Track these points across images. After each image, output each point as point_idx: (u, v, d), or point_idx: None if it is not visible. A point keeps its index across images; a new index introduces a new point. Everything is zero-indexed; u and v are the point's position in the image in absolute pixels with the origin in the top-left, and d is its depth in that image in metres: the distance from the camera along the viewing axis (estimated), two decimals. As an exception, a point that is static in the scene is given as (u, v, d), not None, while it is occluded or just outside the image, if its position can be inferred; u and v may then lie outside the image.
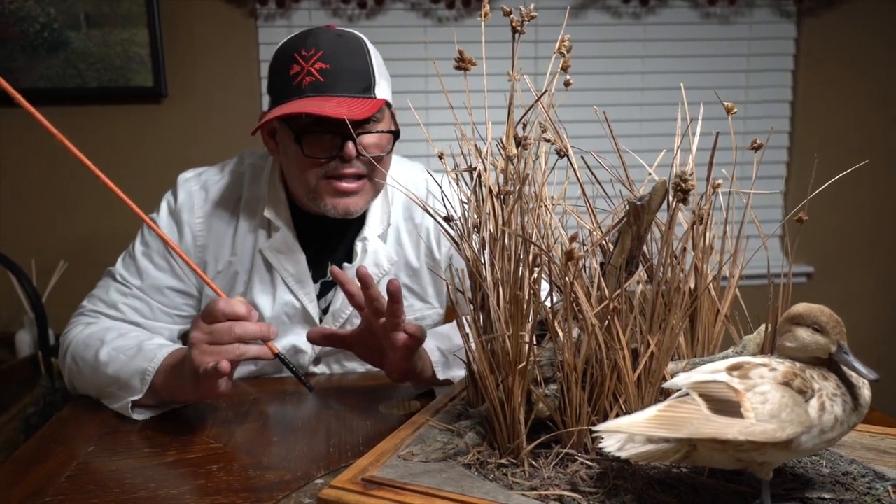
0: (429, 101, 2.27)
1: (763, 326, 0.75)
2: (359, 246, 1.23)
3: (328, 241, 1.24)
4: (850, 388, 0.63)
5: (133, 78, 2.06)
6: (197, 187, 1.23)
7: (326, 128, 1.07)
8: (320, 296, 1.25)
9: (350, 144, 1.08)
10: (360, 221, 1.24)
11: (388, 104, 1.16)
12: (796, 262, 2.35)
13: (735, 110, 0.80)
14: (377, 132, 1.12)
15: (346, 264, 1.23)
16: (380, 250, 1.23)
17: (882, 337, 2.39)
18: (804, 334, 0.64)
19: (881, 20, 2.41)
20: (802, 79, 2.43)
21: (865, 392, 0.63)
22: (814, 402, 0.61)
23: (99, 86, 2.05)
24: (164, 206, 1.23)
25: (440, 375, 1.06)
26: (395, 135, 1.15)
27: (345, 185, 1.11)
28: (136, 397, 0.99)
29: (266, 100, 1.19)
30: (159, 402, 1.01)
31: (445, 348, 1.08)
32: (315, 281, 1.24)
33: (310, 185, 1.12)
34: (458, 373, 1.09)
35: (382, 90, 1.13)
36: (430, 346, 1.07)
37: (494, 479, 0.70)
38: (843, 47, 2.42)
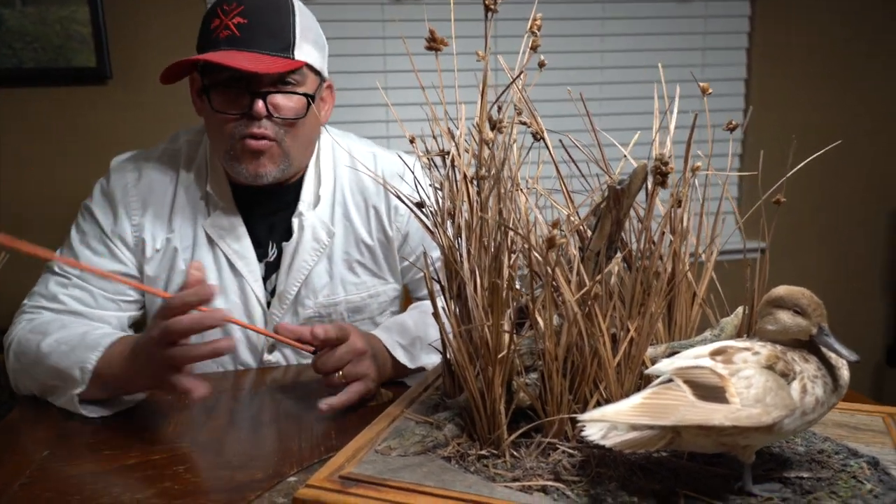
0: (387, 80, 2.22)
1: (740, 309, 0.75)
2: (295, 222, 1.20)
3: (268, 218, 1.21)
4: (830, 369, 0.63)
5: (74, 58, 1.95)
6: (130, 168, 1.20)
7: (238, 84, 1.05)
8: (266, 277, 1.22)
9: (259, 102, 1.05)
10: (296, 196, 1.21)
11: (314, 71, 1.12)
12: (752, 239, 2.39)
13: (710, 91, 0.79)
14: (292, 93, 1.08)
15: (284, 243, 1.20)
16: (317, 224, 1.21)
17: (832, 313, 2.47)
18: (785, 317, 0.64)
19: (835, 1, 2.45)
20: (756, 57, 2.46)
21: (844, 373, 0.64)
22: (796, 385, 0.61)
23: (37, 66, 1.94)
24: (96, 190, 1.20)
25: (411, 365, 1.05)
26: (310, 99, 1.11)
27: (252, 142, 1.08)
28: (79, 390, 0.94)
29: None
30: (110, 394, 0.97)
31: (406, 342, 1.08)
32: (260, 260, 1.22)
33: (225, 144, 1.10)
34: (428, 358, 1.08)
35: (305, 53, 1.09)
36: (390, 342, 1.06)
37: (476, 471, 0.68)
38: (797, 26, 2.45)
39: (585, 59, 2.35)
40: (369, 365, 0.99)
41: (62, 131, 2.04)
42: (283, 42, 1.06)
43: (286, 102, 1.08)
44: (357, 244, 1.25)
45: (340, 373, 0.96)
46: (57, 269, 1.15)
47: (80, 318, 1.12)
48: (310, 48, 1.10)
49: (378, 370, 1.01)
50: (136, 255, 1.18)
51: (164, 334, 0.85)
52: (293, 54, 1.07)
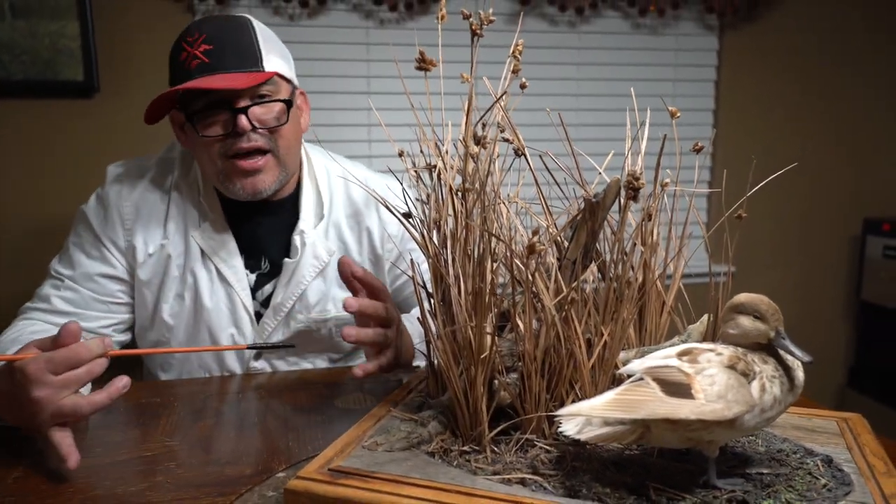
0: (371, 102, 2.27)
1: (705, 316, 0.80)
2: (296, 239, 1.23)
3: (262, 232, 1.25)
4: (787, 370, 0.68)
5: (62, 71, 1.98)
6: (125, 174, 1.24)
7: (218, 105, 1.10)
8: (256, 288, 1.25)
9: (241, 117, 1.09)
10: (294, 215, 1.25)
11: (285, 79, 1.17)
12: (719, 262, 2.47)
13: (679, 114, 0.86)
14: (269, 101, 1.13)
15: (286, 259, 1.24)
16: (318, 243, 1.25)
17: (795, 334, 2.55)
18: (746, 321, 0.69)
19: (794, 35, 2.58)
20: (724, 89, 2.57)
21: (800, 374, 0.69)
22: (755, 384, 0.66)
23: (25, 78, 1.96)
24: (93, 196, 1.24)
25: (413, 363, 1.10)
26: (288, 104, 1.15)
27: (246, 163, 1.12)
28: None
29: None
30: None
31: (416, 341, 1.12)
32: (252, 271, 1.25)
33: (216, 167, 1.14)
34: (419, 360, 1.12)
35: (273, 64, 1.14)
36: (415, 332, 1.10)
37: (458, 465, 0.72)
38: (761, 59, 2.57)
39: (562, 86, 2.43)
40: (393, 337, 1.01)
41: (49, 143, 2.06)
42: (251, 58, 1.11)
43: (266, 112, 1.13)
44: None
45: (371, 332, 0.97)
46: (52, 272, 1.19)
47: (65, 318, 1.15)
48: (276, 59, 1.15)
49: (397, 349, 1.03)
50: (127, 259, 1.21)
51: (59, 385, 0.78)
52: (263, 67, 1.12)
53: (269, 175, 1.15)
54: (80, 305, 1.18)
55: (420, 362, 1.09)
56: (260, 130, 1.12)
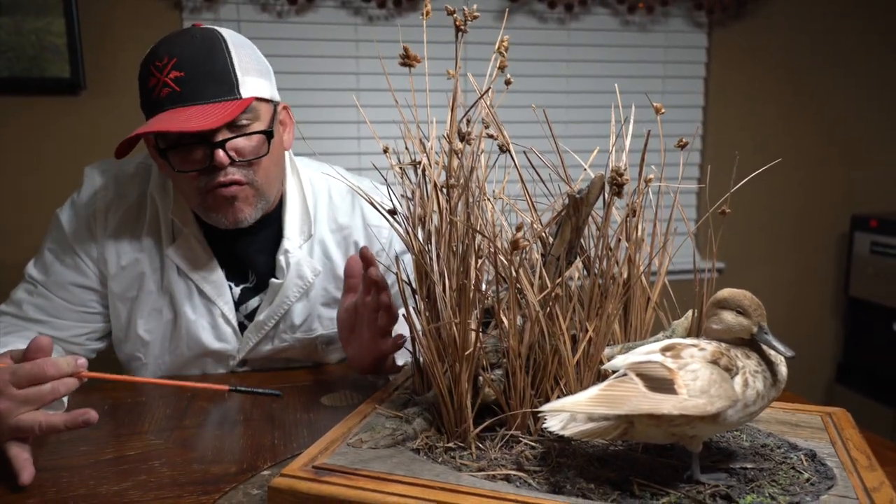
0: (360, 99, 2.27)
1: (690, 312, 0.80)
2: (281, 259, 1.19)
3: (246, 249, 1.20)
4: (770, 365, 0.69)
5: (48, 68, 1.96)
6: (100, 179, 1.18)
7: (193, 139, 1.02)
8: (240, 301, 1.22)
9: (219, 152, 1.02)
10: (274, 227, 1.21)
11: (265, 100, 1.09)
12: (708, 259, 2.49)
13: (664, 111, 0.86)
14: (248, 134, 1.05)
15: (273, 280, 1.20)
16: (303, 261, 1.20)
17: (783, 331, 2.58)
18: (729, 317, 0.69)
19: (783, 33, 2.59)
20: (714, 86, 2.58)
21: (783, 369, 0.69)
22: (738, 379, 0.66)
23: (10, 76, 1.94)
24: (68, 202, 1.19)
25: (399, 362, 1.09)
26: (269, 135, 1.08)
27: (226, 191, 1.06)
28: None
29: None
30: None
31: None
32: (237, 284, 1.21)
33: (196, 199, 1.09)
34: (404, 358, 1.11)
35: (250, 88, 1.05)
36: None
37: (443, 461, 0.72)
38: (750, 57, 2.58)
39: (552, 83, 2.43)
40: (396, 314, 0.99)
41: (35, 141, 2.04)
42: (226, 84, 1.03)
43: (246, 144, 1.06)
44: (335, 281, 1.24)
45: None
46: (27, 276, 1.16)
47: (40, 325, 1.13)
48: (254, 80, 1.06)
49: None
50: (99, 268, 1.17)
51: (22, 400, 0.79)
52: (239, 94, 1.04)
53: (248, 205, 1.10)
54: (52, 313, 1.15)
55: (404, 360, 1.09)
56: (238, 162, 1.06)
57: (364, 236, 1.26)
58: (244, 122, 1.05)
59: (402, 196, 0.83)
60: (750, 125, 2.62)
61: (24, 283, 1.17)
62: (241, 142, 1.05)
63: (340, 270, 1.22)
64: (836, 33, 2.64)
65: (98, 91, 2.04)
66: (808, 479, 0.69)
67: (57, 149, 2.05)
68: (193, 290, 1.18)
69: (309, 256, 1.22)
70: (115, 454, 0.85)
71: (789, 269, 2.76)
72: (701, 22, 2.52)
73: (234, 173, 1.06)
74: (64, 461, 0.83)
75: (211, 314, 1.19)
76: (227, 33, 1.08)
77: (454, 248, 0.77)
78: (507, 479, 0.68)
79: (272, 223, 1.20)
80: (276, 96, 1.13)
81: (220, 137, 1.03)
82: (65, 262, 1.16)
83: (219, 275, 1.19)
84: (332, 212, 1.25)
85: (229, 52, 1.04)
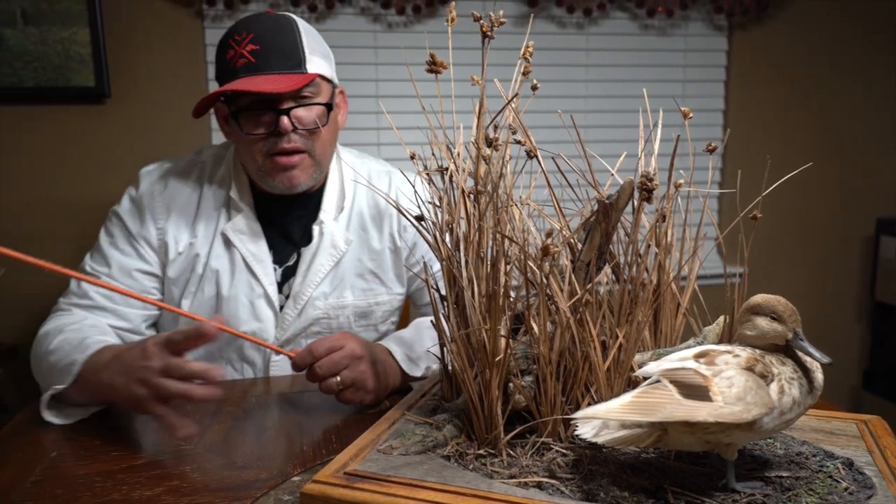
0: (378, 105, 2.28)
1: (721, 318, 0.80)
2: (315, 229, 1.28)
3: (288, 224, 1.29)
4: (806, 372, 0.68)
5: (73, 78, 1.99)
6: (157, 175, 1.28)
7: (261, 105, 1.14)
8: (282, 282, 1.28)
9: (284, 118, 1.13)
10: (317, 205, 1.29)
11: (326, 80, 1.20)
12: (732, 264, 2.46)
13: (691, 115, 0.85)
14: (311, 104, 1.16)
15: (302, 248, 1.28)
16: (336, 232, 1.28)
17: (810, 336, 2.54)
18: (763, 323, 0.68)
19: (804, 35, 2.56)
20: (734, 89, 2.56)
21: (819, 375, 0.69)
22: (774, 386, 0.65)
23: (36, 85, 1.97)
24: (125, 196, 1.28)
25: (417, 374, 1.11)
26: (328, 107, 1.19)
27: (284, 159, 1.17)
28: (60, 387, 0.97)
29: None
30: (87, 399, 0.99)
31: (410, 353, 1.12)
32: (279, 265, 1.28)
33: (257, 162, 1.18)
34: (424, 366, 1.12)
35: (316, 65, 1.17)
36: (398, 352, 1.10)
37: (474, 468, 0.72)
38: (771, 60, 2.56)
39: (570, 88, 2.43)
40: (366, 370, 1.02)
41: (61, 149, 2.07)
42: (295, 59, 1.15)
43: (307, 114, 1.17)
44: (369, 252, 1.31)
45: (338, 378, 0.99)
46: (88, 269, 1.23)
47: (106, 314, 1.19)
48: (319, 60, 1.18)
49: (378, 376, 1.04)
50: (160, 256, 1.25)
51: (167, 368, 0.88)
52: (306, 69, 1.15)
53: (305, 173, 1.19)
54: (119, 301, 1.21)
55: (422, 371, 1.11)
56: (300, 131, 1.16)
57: (397, 215, 1.32)
58: (307, 94, 1.16)
59: (430, 203, 0.83)
60: (771, 129, 2.60)
61: (87, 275, 1.21)
62: (303, 112, 1.16)
63: (375, 242, 1.32)
64: (857, 34, 2.61)
65: (122, 99, 2.07)
66: (846, 489, 0.68)
67: (82, 156, 2.08)
68: (239, 266, 1.25)
69: (344, 228, 1.29)
70: (146, 459, 0.85)
71: (814, 273, 2.73)
72: (721, 25, 2.51)
73: (296, 140, 1.16)
74: (97, 466, 0.83)
75: (252, 291, 1.26)
76: (299, 19, 1.20)
77: (482, 255, 0.76)
78: (539, 486, 0.68)
79: (315, 200, 1.30)
80: (336, 80, 1.25)
81: (285, 105, 1.14)
82: (127, 252, 1.24)
83: (266, 253, 1.27)
84: (370, 189, 1.34)
85: (300, 34, 1.17)
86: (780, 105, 2.59)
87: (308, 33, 1.19)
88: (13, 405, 1.85)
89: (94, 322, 1.16)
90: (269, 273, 1.26)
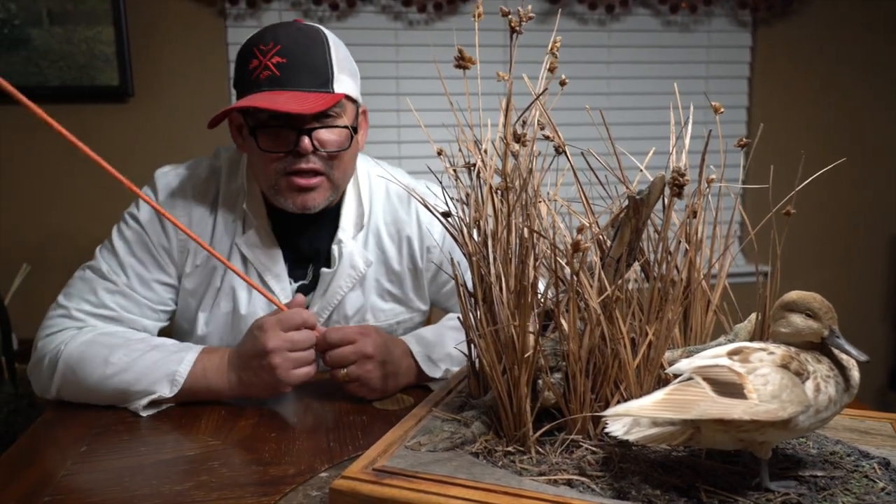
0: (399, 103, 2.28)
1: (753, 315, 0.79)
2: (335, 249, 1.22)
3: (306, 242, 1.23)
4: (842, 370, 0.67)
5: (98, 76, 2.01)
6: (176, 183, 1.21)
7: (282, 122, 1.07)
8: None
9: (305, 139, 1.08)
10: (333, 221, 1.23)
11: (351, 100, 1.14)
12: (753, 261, 2.43)
13: (722, 110, 0.84)
14: (334, 127, 1.11)
15: (323, 269, 1.23)
16: (355, 252, 1.23)
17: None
18: (798, 320, 0.67)
19: (830, 31, 2.53)
20: (758, 85, 2.53)
21: (855, 374, 0.67)
22: (809, 384, 0.64)
23: (62, 84, 2.00)
24: (143, 203, 1.20)
25: (436, 375, 1.10)
26: (354, 131, 1.14)
27: (301, 180, 1.11)
28: (166, 395, 1.02)
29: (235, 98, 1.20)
30: (182, 400, 1.04)
31: (433, 355, 1.12)
32: (295, 280, 1.24)
33: (270, 180, 1.12)
34: (444, 368, 1.11)
35: (343, 85, 1.11)
36: (418, 352, 1.11)
37: (503, 465, 0.71)
38: (796, 56, 2.53)
39: (593, 84, 2.42)
40: (372, 369, 1.03)
41: (86, 146, 2.09)
42: (322, 77, 1.08)
43: (329, 136, 1.11)
44: (388, 273, 1.27)
45: (345, 371, 1.02)
46: (105, 275, 1.16)
47: (123, 326, 1.16)
48: (346, 79, 1.12)
49: (385, 377, 1.05)
50: (178, 268, 1.21)
51: (288, 320, 1.01)
52: (332, 88, 1.09)
53: (321, 195, 1.14)
54: (136, 314, 1.17)
55: (441, 373, 1.11)
56: (320, 153, 1.10)
57: (417, 232, 1.28)
58: (331, 114, 1.10)
59: (457, 200, 0.82)
60: (795, 126, 2.56)
61: (101, 280, 1.16)
62: (326, 133, 1.11)
63: (394, 263, 1.27)
64: (884, 31, 2.56)
65: (145, 98, 2.09)
66: (883, 489, 0.67)
67: (106, 154, 2.08)
68: (255, 280, 1.20)
69: (363, 247, 1.24)
70: (174, 454, 0.86)
71: (838, 272, 2.69)
72: (745, 21, 2.48)
73: (315, 162, 1.11)
74: (126, 461, 0.84)
75: (269, 307, 1.20)
76: (329, 33, 1.14)
77: (511, 251, 0.76)
78: (569, 483, 0.67)
79: (332, 217, 1.24)
80: (360, 98, 1.19)
81: (308, 125, 1.08)
82: (146, 262, 1.18)
83: (282, 268, 1.22)
84: (389, 205, 1.28)
85: (329, 50, 1.10)
86: (805, 102, 2.56)
87: (337, 49, 1.12)
88: (41, 403, 1.87)
89: (133, 333, 1.14)
90: (285, 288, 1.21)
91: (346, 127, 1.12)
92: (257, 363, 0.99)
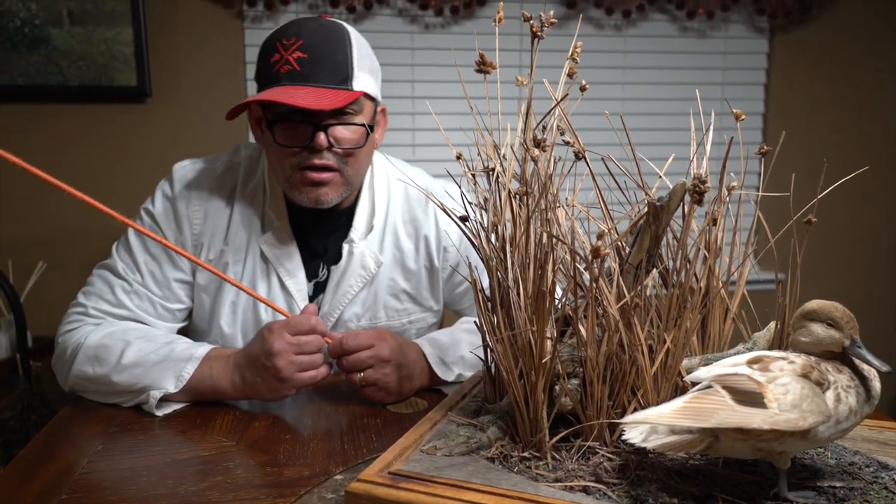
0: (415, 106, 2.28)
1: (772, 324, 0.78)
2: (345, 248, 1.23)
3: (321, 240, 1.24)
4: (863, 380, 0.66)
5: (116, 77, 2.03)
6: (193, 176, 1.22)
7: (299, 117, 1.08)
8: (312, 297, 1.25)
9: (320, 135, 1.08)
10: (348, 221, 1.24)
11: (370, 97, 1.15)
12: (769, 269, 2.42)
13: (743, 117, 0.84)
14: (350, 124, 1.11)
15: (332, 266, 1.24)
16: (366, 252, 1.23)
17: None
18: (819, 329, 0.67)
19: (847, 38, 2.51)
20: (774, 92, 2.52)
21: (876, 384, 0.67)
22: (830, 394, 0.64)
23: (81, 84, 2.01)
24: (159, 194, 1.22)
25: (449, 378, 1.11)
26: (370, 129, 1.14)
27: (315, 175, 1.12)
28: (170, 391, 1.02)
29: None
30: (189, 399, 1.05)
31: (446, 358, 1.12)
32: (309, 278, 1.24)
33: (285, 174, 1.13)
34: (457, 371, 1.11)
35: (362, 83, 1.11)
36: (431, 355, 1.11)
37: (519, 471, 0.71)
38: (813, 62, 2.51)
39: (608, 90, 2.41)
40: (390, 373, 1.04)
41: (103, 146, 2.11)
42: (342, 74, 1.09)
43: (346, 133, 1.11)
44: (403, 272, 1.27)
45: (362, 374, 1.03)
46: (121, 273, 1.17)
47: (154, 329, 1.16)
48: (366, 77, 1.12)
49: (402, 380, 1.05)
50: (192, 263, 1.20)
51: (296, 325, 1.01)
52: (351, 85, 1.09)
53: (334, 191, 1.14)
54: (152, 314, 1.18)
55: (454, 376, 1.11)
56: (336, 149, 1.11)
57: (435, 233, 1.28)
58: (349, 111, 1.11)
59: (475, 204, 0.82)
60: (812, 133, 2.55)
61: (118, 279, 1.17)
62: (342, 130, 1.11)
63: (410, 261, 1.27)
64: (903, 38, 2.55)
65: (163, 98, 2.10)
66: (902, 501, 0.66)
67: (124, 154, 2.12)
68: (275, 282, 1.22)
69: (376, 247, 1.25)
70: (189, 454, 0.86)
71: (853, 279, 2.67)
72: (762, 27, 2.47)
73: (330, 158, 1.11)
74: (142, 460, 0.84)
75: (288, 308, 1.21)
76: (352, 30, 1.14)
77: (529, 256, 0.76)
78: (585, 490, 0.67)
79: (348, 216, 1.25)
80: (379, 97, 1.19)
81: (325, 121, 1.08)
82: (158, 257, 1.19)
83: (301, 270, 1.23)
84: (408, 204, 1.28)
85: (351, 47, 1.11)
86: (822, 109, 2.54)
87: (359, 46, 1.12)
88: (54, 399, 1.88)
89: (149, 330, 1.14)
90: (301, 289, 1.22)
91: (362, 125, 1.12)
92: (262, 364, 0.99)
